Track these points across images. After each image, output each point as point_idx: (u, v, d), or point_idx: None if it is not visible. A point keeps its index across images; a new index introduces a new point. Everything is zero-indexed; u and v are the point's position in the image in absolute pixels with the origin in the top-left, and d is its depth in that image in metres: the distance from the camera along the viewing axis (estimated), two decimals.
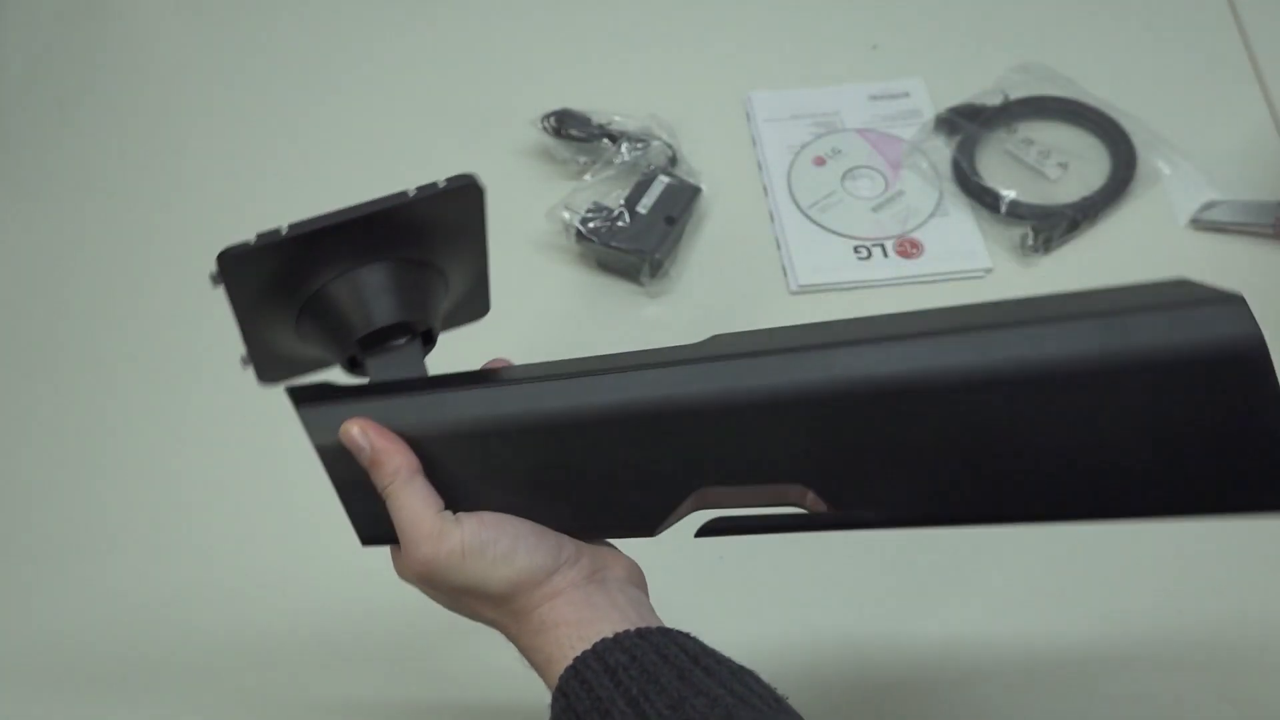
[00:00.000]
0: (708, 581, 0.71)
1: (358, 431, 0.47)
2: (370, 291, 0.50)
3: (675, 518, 0.49)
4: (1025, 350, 0.45)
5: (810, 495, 0.48)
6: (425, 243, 0.51)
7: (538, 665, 0.46)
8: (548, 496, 0.49)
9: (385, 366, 0.51)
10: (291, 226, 0.48)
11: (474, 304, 0.57)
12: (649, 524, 0.49)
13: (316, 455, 0.48)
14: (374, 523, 0.49)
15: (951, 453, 0.47)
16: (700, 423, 0.47)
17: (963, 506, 0.48)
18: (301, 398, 0.50)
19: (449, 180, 0.49)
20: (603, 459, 0.48)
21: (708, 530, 0.50)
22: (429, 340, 0.53)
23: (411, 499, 0.47)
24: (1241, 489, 0.46)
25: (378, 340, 0.51)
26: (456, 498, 0.48)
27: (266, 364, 0.53)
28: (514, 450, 0.48)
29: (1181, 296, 0.46)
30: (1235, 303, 0.44)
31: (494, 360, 0.53)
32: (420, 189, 0.49)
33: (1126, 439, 0.46)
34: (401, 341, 0.51)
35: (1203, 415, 0.45)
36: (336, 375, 0.52)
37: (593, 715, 0.42)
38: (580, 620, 0.45)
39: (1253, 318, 0.44)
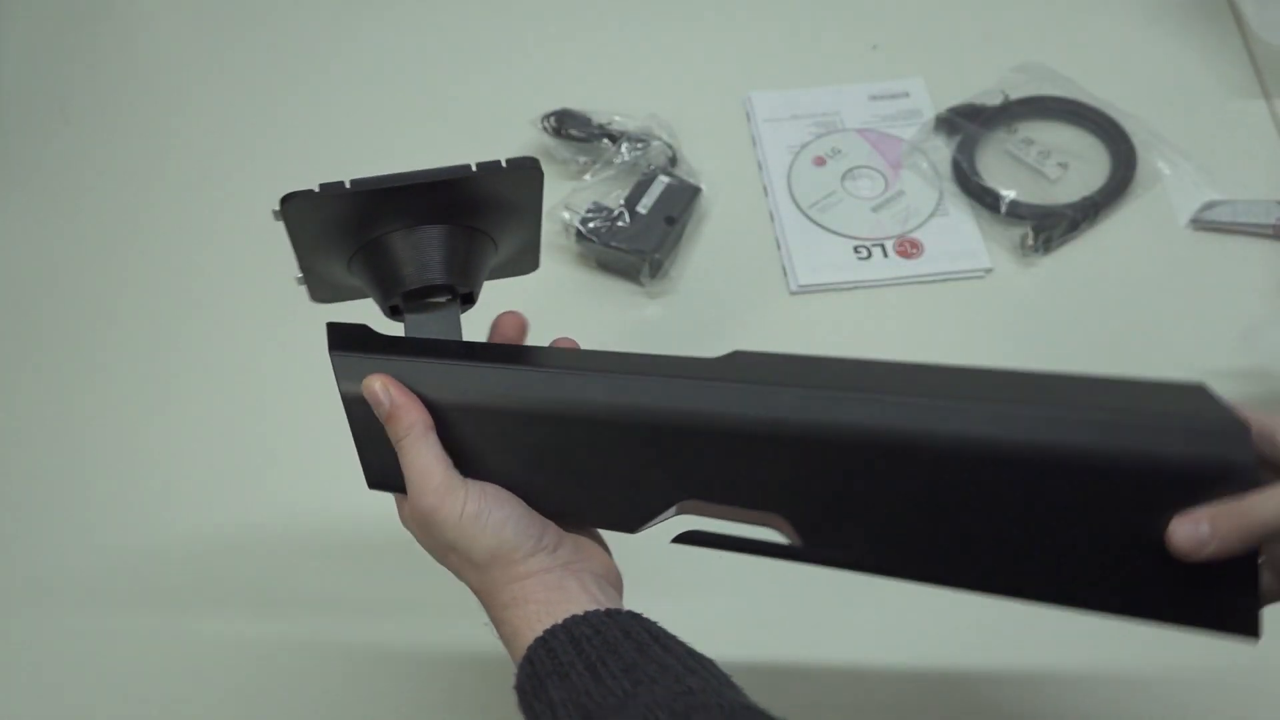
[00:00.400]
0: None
1: (379, 386, 0.50)
2: (419, 251, 0.53)
3: (658, 521, 0.51)
4: (1019, 431, 0.47)
5: (787, 524, 0.50)
6: (479, 212, 0.54)
7: (505, 637, 0.49)
8: (545, 478, 0.51)
9: (423, 323, 0.54)
10: (354, 182, 0.51)
11: (524, 262, 0.60)
12: (632, 522, 0.51)
13: (340, 399, 0.52)
14: (382, 471, 0.52)
15: (928, 513, 0.48)
16: (697, 439, 0.49)
17: (928, 567, 0.49)
18: (336, 341, 0.52)
19: (510, 160, 0.52)
20: (603, 455, 0.50)
21: (684, 539, 0.52)
22: (469, 300, 0.55)
23: (425, 453, 0.49)
24: (1208, 607, 0.46)
25: (420, 295, 0.54)
26: (461, 462, 0.51)
27: (319, 287, 0.57)
28: (522, 431, 0.51)
29: (1192, 411, 0.47)
30: (1241, 431, 0.45)
31: (560, 339, 0.56)
32: (482, 164, 0.52)
33: (1104, 537, 0.47)
34: (443, 300, 0.54)
35: None
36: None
37: (553, 677, 0.45)
38: (550, 600, 0.48)
39: (1252, 449, 0.45)
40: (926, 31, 1.02)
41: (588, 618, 0.47)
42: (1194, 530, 0.44)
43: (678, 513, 0.51)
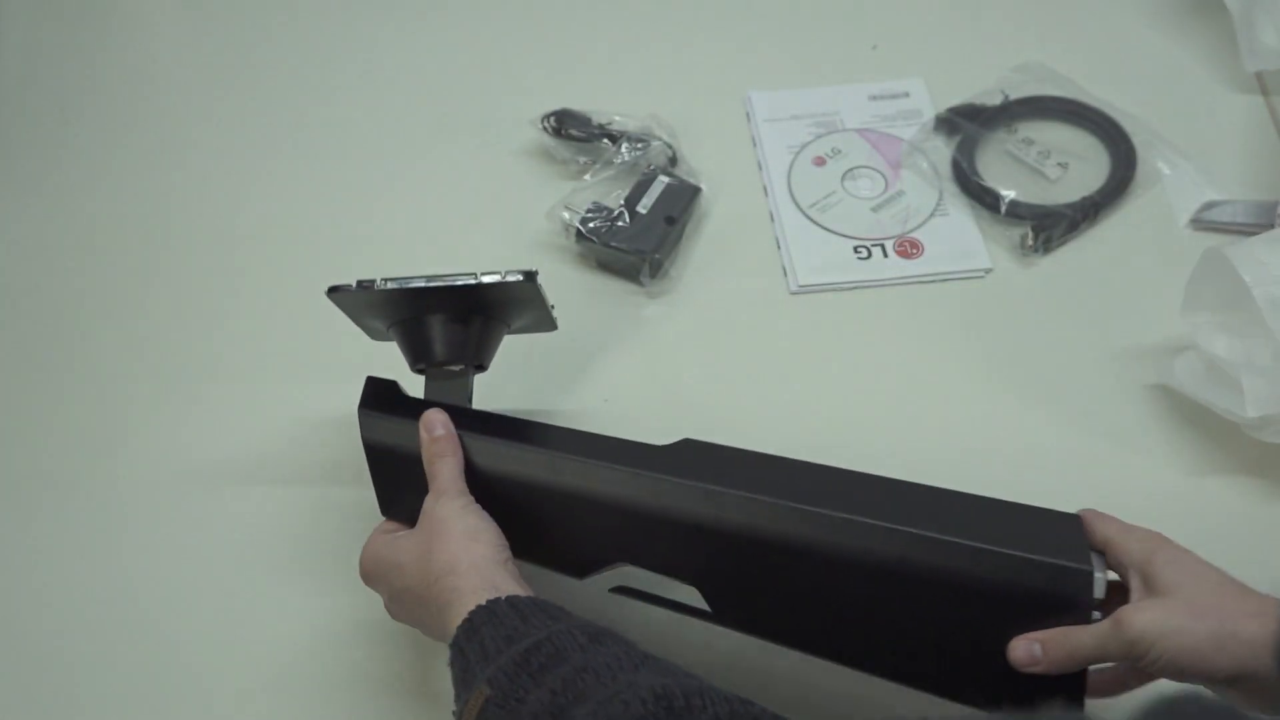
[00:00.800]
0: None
1: (440, 419, 0.64)
2: (440, 335, 0.67)
3: (600, 573, 0.63)
4: (904, 550, 0.57)
5: (699, 594, 0.61)
6: (490, 305, 0.67)
7: (448, 602, 0.57)
8: (516, 523, 0.63)
9: (440, 388, 0.68)
10: (382, 280, 0.65)
11: (540, 326, 0.73)
12: (580, 571, 0.64)
13: (363, 446, 0.67)
14: (390, 501, 0.67)
15: (817, 602, 0.59)
16: (636, 518, 0.61)
17: (815, 644, 0.60)
18: (366, 398, 0.68)
19: (507, 272, 0.64)
20: (564, 517, 0.63)
21: (619, 590, 0.64)
22: (481, 368, 0.70)
23: (456, 467, 0.64)
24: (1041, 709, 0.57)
25: (441, 365, 0.68)
26: None
27: (373, 335, 0.73)
28: (505, 487, 0.64)
29: (1057, 545, 0.56)
30: (1086, 572, 0.55)
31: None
32: (485, 274, 0.64)
33: (963, 641, 0.57)
34: (458, 369, 0.68)
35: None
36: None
37: (487, 626, 0.54)
38: (499, 586, 0.57)
39: (1091, 588, 0.55)
40: (926, 31, 1.02)
41: (529, 598, 0.56)
42: (1028, 650, 0.55)
43: (618, 567, 0.63)
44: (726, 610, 0.61)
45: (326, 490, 0.77)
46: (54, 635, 0.73)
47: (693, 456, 0.63)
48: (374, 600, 0.66)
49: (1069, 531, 0.58)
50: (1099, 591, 0.55)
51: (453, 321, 0.67)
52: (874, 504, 0.59)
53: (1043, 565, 0.55)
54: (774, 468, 0.63)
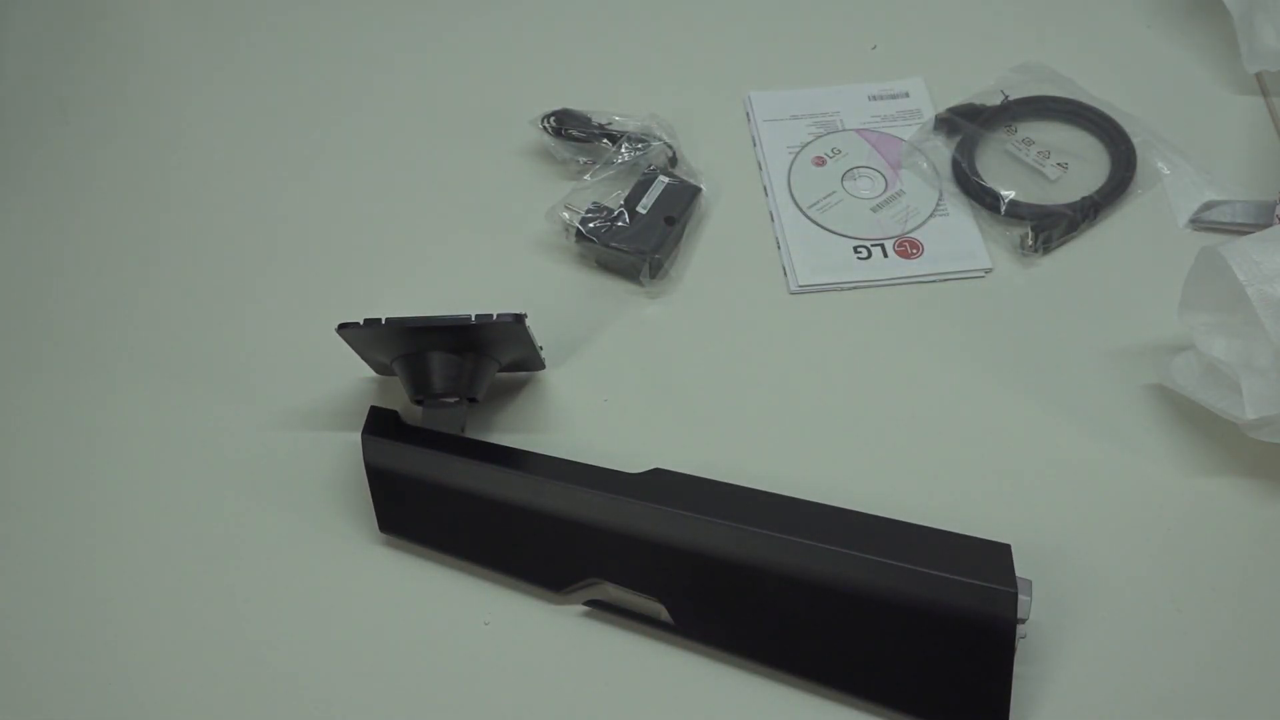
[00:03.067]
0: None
1: None
2: (437, 370, 0.73)
3: (576, 587, 0.69)
4: (848, 572, 0.64)
5: (664, 610, 0.67)
6: (482, 342, 0.73)
7: None
8: (503, 539, 0.71)
9: (435, 417, 0.75)
10: (388, 320, 0.70)
11: (531, 364, 0.79)
12: (557, 585, 0.70)
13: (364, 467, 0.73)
14: (389, 519, 0.73)
15: (769, 618, 0.66)
16: (609, 539, 0.69)
17: (766, 656, 0.66)
18: (369, 425, 0.74)
19: (499, 314, 0.70)
20: (543, 536, 0.70)
21: (593, 604, 0.70)
22: (474, 400, 0.75)
23: None
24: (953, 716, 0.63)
25: (437, 397, 0.74)
26: (445, 519, 0.73)
27: (377, 369, 0.79)
28: (490, 510, 0.71)
29: (987, 569, 0.63)
30: (1012, 595, 0.62)
31: None
32: (479, 316, 0.70)
33: (898, 655, 0.64)
34: (453, 401, 0.74)
35: (961, 661, 0.63)
36: None
37: None
38: None
39: (1015, 608, 0.61)
40: (926, 31, 1.02)
41: None
42: None
43: (592, 582, 0.69)
44: (686, 624, 0.67)
45: (320, 493, 0.77)
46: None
47: (663, 484, 0.71)
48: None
49: (999, 559, 0.64)
50: (1023, 612, 0.62)
51: (449, 357, 0.73)
52: (821, 529, 0.66)
53: (972, 587, 0.62)
54: (739, 497, 0.70)
